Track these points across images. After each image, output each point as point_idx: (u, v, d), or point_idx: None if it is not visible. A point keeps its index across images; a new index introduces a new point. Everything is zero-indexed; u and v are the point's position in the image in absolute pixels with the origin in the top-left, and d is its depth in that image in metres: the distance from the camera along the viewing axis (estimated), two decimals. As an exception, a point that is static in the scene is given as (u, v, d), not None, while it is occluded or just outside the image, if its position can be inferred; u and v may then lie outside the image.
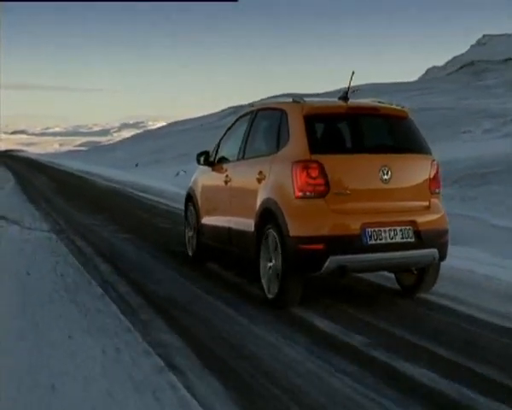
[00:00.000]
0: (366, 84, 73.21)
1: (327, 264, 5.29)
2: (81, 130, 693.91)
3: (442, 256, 5.81)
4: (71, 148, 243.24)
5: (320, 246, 5.30)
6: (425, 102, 44.08)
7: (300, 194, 5.43)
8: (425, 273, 6.00)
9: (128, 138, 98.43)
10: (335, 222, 5.37)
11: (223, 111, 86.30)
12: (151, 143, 58.73)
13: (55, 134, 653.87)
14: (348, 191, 5.45)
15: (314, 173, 5.41)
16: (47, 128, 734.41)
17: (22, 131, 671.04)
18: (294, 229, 5.40)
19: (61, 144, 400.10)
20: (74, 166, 38.99)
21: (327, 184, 5.41)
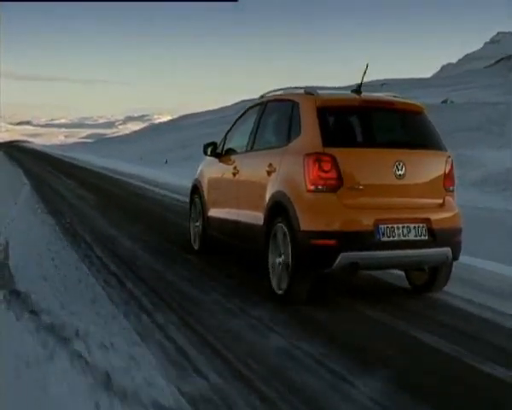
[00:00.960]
0: (393, 79, 72.28)
1: (338, 260, 5.15)
2: (86, 122, 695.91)
3: (455, 256, 5.67)
4: (76, 140, 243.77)
5: (332, 241, 5.15)
6: (466, 96, 42.06)
7: (312, 187, 5.28)
8: (437, 273, 5.86)
9: (141, 130, 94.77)
10: (348, 217, 5.22)
11: (236, 104, 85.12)
12: (172, 136, 51.98)
13: (60, 126, 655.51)
14: (361, 186, 5.31)
15: (327, 167, 5.26)
16: (52, 119, 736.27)
17: (27, 122, 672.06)
18: (306, 223, 5.25)
19: (66, 136, 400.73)
20: (92, 160, 35.44)
21: (339, 178, 5.26)
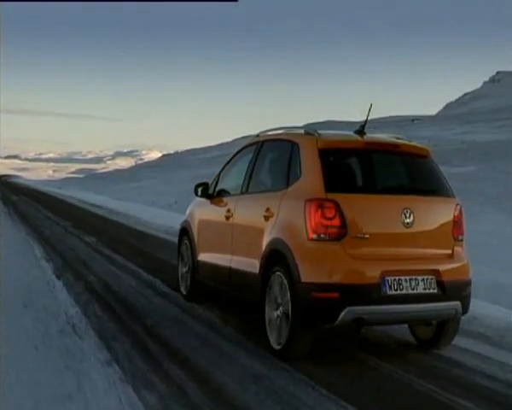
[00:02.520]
0: (423, 115, 71.39)
1: (342, 315, 4.74)
2: (75, 156, 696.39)
3: (465, 310, 5.31)
4: (65, 175, 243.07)
5: (335, 295, 4.75)
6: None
7: (314, 236, 4.89)
8: (445, 327, 5.48)
9: (139, 166, 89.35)
10: (352, 269, 4.83)
11: (234, 140, 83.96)
12: (181, 175, 45.80)
13: (48, 160, 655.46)
14: (367, 235, 4.93)
15: (330, 213, 4.88)
16: (40, 154, 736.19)
17: (15, 156, 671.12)
18: (307, 274, 4.85)
19: (54, 170, 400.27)
20: (109, 204, 26.59)
21: (344, 225, 4.88)
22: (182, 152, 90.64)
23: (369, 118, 5.61)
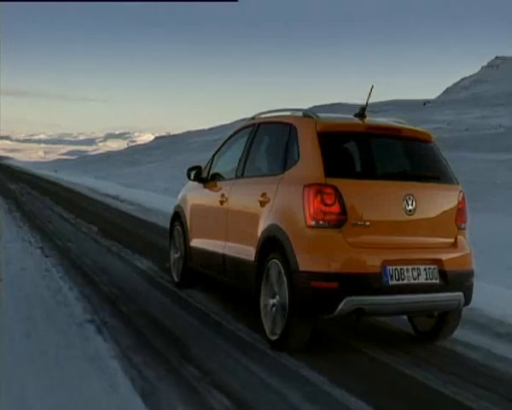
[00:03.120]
0: (429, 99, 68.99)
1: (341, 305, 4.54)
2: (66, 138, 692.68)
3: (467, 301, 5.11)
4: (56, 156, 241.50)
5: (334, 284, 4.54)
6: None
7: (313, 223, 4.67)
8: (446, 318, 5.29)
9: (135, 148, 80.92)
10: (353, 257, 4.62)
11: (234, 123, 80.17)
12: (190, 157, 38.83)
13: (39, 141, 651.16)
14: (368, 222, 4.71)
15: (329, 200, 4.66)
16: (31, 135, 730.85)
17: (6, 137, 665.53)
18: (305, 263, 4.64)
19: (45, 152, 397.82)
20: (122, 193, 22.21)
21: (344, 212, 4.66)
22: (180, 134, 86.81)
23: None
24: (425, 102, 60.03)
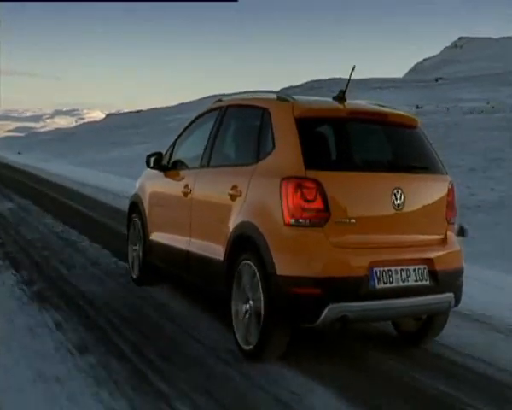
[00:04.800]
0: (395, 78, 66.99)
1: (325, 313, 4.04)
2: (12, 114, 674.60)
3: (457, 301, 4.70)
4: (3, 133, 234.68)
5: (317, 290, 4.03)
6: None
7: (292, 221, 4.14)
8: (433, 320, 4.89)
9: (118, 125, 67.20)
10: (337, 259, 4.11)
11: (203, 99, 71.36)
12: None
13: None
14: (353, 219, 4.21)
15: (310, 195, 4.13)
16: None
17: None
18: (283, 266, 4.12)
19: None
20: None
21: (326, 209, 4.14)
22: (145, 112, 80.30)
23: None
24: (437, 79, 58.78)
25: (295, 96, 4.77)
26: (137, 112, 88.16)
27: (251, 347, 4.41)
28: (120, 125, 61.96)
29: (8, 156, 39.37)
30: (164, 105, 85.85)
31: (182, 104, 77.10)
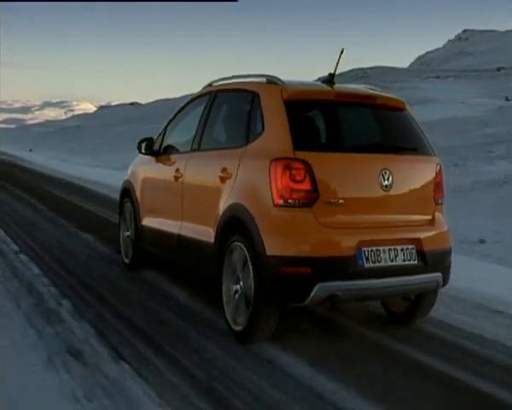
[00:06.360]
0: (398, 67, 65.97)
1: (314, 292, 4.09)
2: (1, 106, 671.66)
3: (445, 281, 4.77)
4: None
5: (306, 270, 4.09)
6: None
7: (281, 201, 4.19)
8: (421, 299, 4.96)
9: (115, 118, 63.85)
10: (325, 239, 4.17)
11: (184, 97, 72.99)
12: None
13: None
14: (341, 200, 4.26)
15: (299, 176, 4.18)
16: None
17: None
18: (273, 246, 4.17)
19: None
20: None
21: (315, 190, 4.19)
22: (144, 105, 78.35)
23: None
24: (499, 68, 56.52)
25: (285, 80, 4.80)
26: (132, 104, 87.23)
27: (240, 328, 4.47)
28: (127, 118, 57.98)
29: (17, 154, 32.88)
30: (159, 98, 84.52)
31: (183, 96, 76.33)
